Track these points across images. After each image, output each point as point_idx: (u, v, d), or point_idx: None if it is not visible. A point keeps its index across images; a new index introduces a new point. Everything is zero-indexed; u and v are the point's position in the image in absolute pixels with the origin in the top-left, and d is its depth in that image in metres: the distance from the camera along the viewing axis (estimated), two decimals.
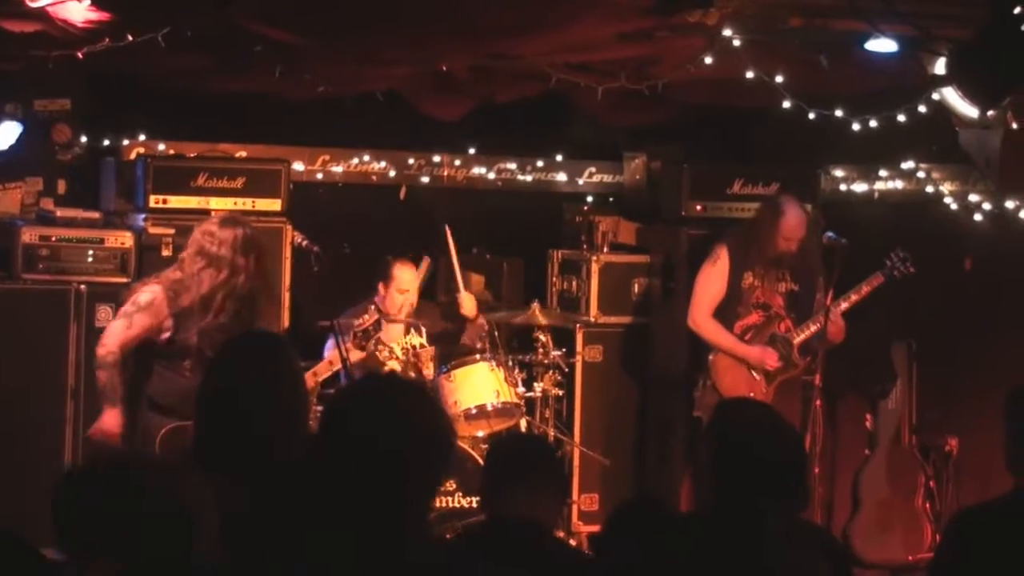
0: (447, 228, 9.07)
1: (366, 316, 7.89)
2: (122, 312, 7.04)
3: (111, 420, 6.90)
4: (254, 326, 6.99)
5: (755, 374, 8.51)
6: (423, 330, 8.83)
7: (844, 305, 8.43)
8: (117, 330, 6.98)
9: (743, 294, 8.53)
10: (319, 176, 9.67)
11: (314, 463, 3.16)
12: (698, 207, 9.20)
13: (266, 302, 7.29)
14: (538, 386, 8.90)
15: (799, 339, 8.49)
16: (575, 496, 9.29)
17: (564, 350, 9.05)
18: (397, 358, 8.56)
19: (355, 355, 7.77)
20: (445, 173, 10.00)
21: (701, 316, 8.55)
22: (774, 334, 8.52)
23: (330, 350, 8.07)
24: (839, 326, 8.40)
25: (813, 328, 8.40)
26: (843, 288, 8.35)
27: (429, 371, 8.61)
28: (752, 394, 8.22)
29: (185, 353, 6.95)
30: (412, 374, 8.49)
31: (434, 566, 3.09)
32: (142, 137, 9.16)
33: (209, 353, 6.68)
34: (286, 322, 8.63)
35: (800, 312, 8.55)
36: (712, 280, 8.56)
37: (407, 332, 8.78)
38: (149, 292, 6.97)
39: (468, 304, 9.05)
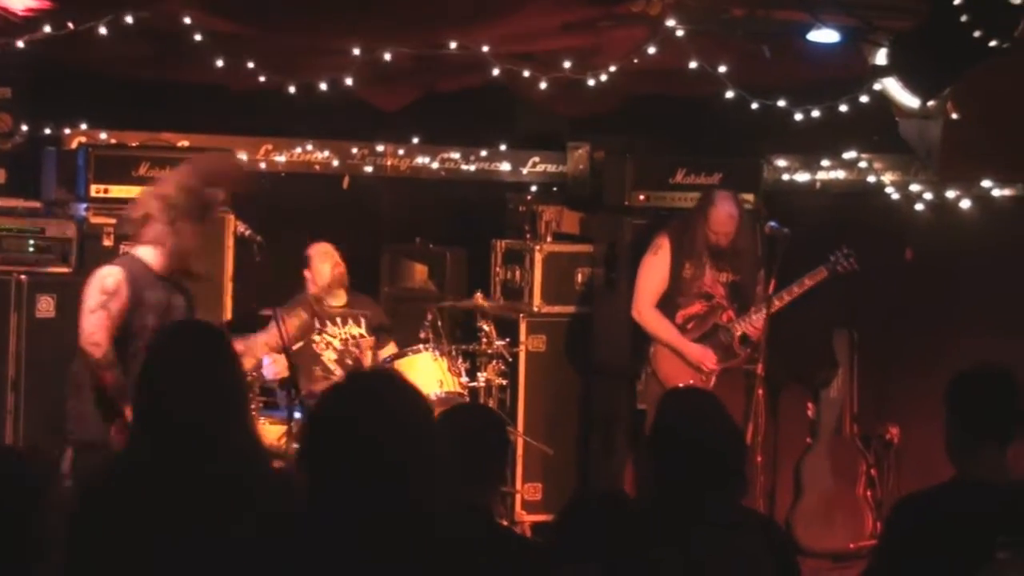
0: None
1: (293, 320, 7.91)
2: (96, 304, 6.55)
3: None
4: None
5: None
6: (362, 320, 8.83)
7: (786, 298, 8.46)
8: (101, 324, 6.50)
9: (684, 284, 8.54)
10: (262, 165, 9.61)
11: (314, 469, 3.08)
12: (641, 197, 9.22)
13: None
14: (481, 376, 8.93)
15: (740, 330, 8.53)
16: (519, 485, 9.30)
17: (507, 340, 9.06)
18: (335, 349, 8.55)
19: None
20: (388, 163, 9.97)
21: (644, 307, 8.57)
22: (716, 324, 8.55)
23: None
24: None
25: (755, 319, 8.44)
26: (786, 278, 8.38)
27: (368, 361, 8.60)
28: (692, 382, 8.26)
29: (139, 335, 6.54)
30: (349, 362, 8.48)
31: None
32: (83, 126, 9.09)
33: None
34: (228, 312, 8.58)
35: (742, 302, 8.59)
36: (654, 270, 8.58)
37: (345, 322, 8.77)
38: (111, 276, 6.59)
39: None
